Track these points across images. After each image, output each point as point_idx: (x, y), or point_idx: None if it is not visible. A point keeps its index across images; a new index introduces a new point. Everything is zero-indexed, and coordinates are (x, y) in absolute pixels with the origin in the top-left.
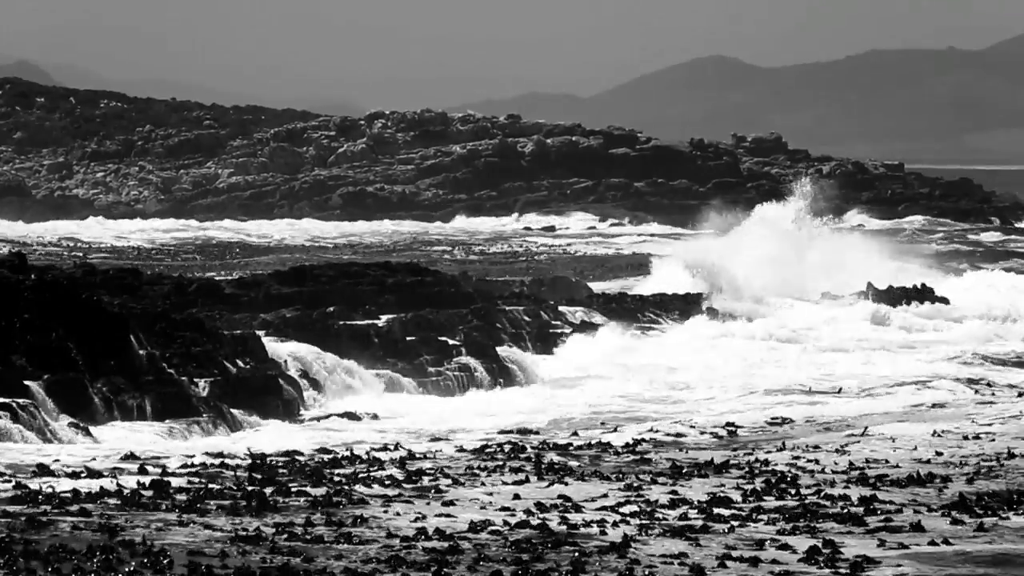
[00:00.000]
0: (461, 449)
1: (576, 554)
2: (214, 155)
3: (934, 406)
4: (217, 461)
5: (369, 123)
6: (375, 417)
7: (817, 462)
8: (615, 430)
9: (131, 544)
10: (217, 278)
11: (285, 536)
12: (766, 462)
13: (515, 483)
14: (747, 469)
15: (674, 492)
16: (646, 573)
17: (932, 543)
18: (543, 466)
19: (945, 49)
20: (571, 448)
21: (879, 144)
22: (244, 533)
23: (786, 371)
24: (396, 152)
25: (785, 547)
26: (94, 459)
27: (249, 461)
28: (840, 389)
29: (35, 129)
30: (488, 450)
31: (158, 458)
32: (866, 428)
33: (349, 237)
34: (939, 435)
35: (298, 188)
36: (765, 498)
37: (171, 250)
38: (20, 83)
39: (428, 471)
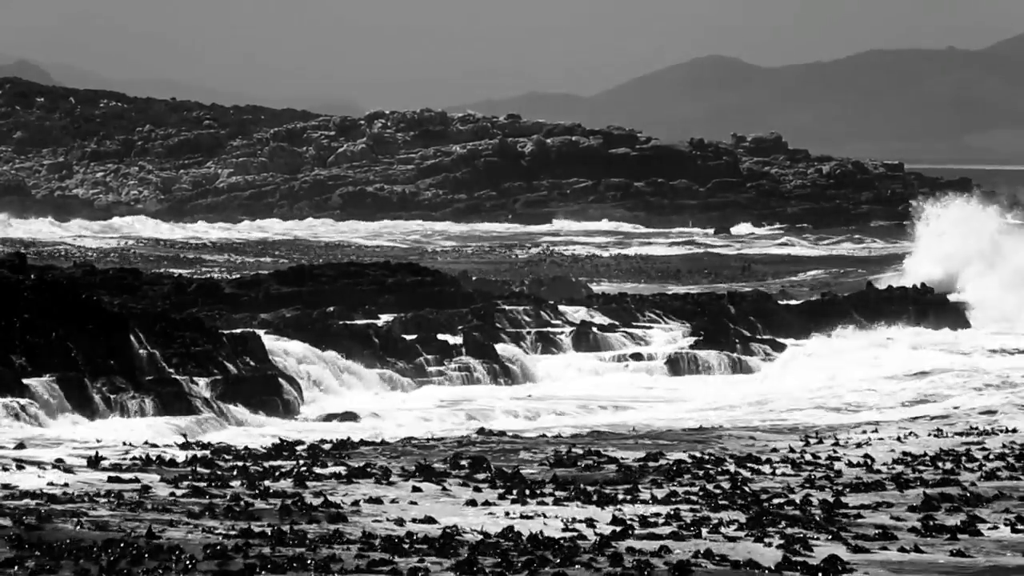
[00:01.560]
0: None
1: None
2: (214, 155)
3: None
4: (154, 455)
5: (369, 123)
6: (375, 416)
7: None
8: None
9: (136, 541)
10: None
11: (278, 533)
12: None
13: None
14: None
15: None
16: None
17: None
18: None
19: (945, 49)
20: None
21: (879, 144)
22: (238, 531)
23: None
24: (396, 152)
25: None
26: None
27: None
28: None
29: (35, 129)
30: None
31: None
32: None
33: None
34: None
35: (298, 188)
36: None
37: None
38: (20, 83)
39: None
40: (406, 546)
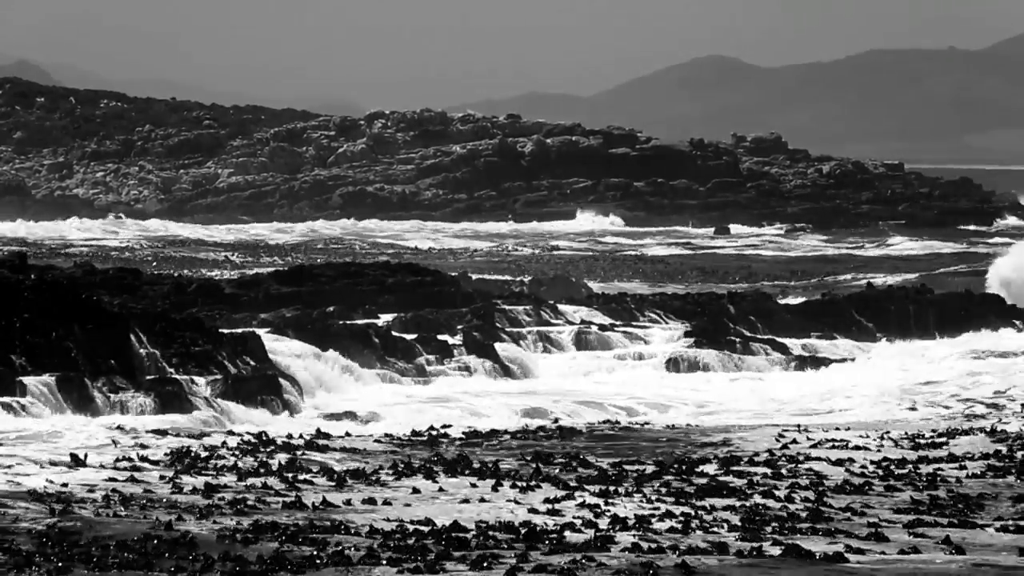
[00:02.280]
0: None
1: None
2: (214, 155)
3: None
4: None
5: (369, 123)
6: (374, 416)
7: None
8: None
9: (156, 538)
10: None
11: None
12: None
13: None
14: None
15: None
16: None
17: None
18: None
19: (945, 49)
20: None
21: (879, 144)
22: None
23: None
24: (396, 152)
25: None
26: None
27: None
28: None
29: (35, 129)
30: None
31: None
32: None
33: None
34: None
35: (298, 188)
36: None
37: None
38: (20, 83)
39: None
40: (412, 541)
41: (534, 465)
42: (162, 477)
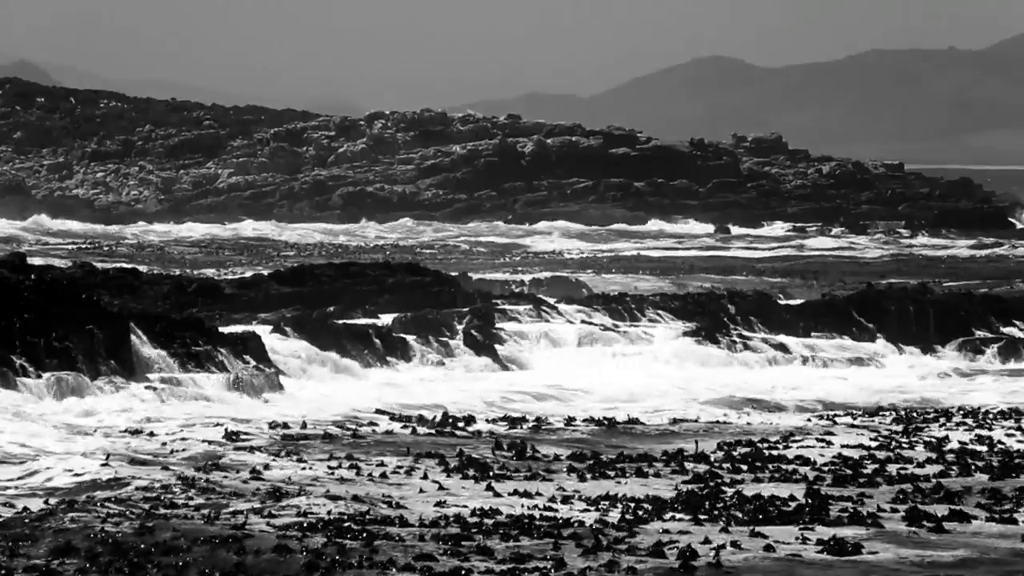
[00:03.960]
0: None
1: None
2: (214, 155)
3: None
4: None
5: (369, 123)
6: (373, 413)
7: None
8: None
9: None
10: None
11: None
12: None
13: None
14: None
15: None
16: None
17: None
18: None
19: (945, 49)
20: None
21: (879, 144)
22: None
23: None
24: (396, 152)
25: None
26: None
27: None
28: None
29: (35, 129)
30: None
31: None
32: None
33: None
34: None
35: (298, 188)
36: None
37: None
38: (20, 83)
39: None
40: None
41: (521, 460)
42: (180, 477)
